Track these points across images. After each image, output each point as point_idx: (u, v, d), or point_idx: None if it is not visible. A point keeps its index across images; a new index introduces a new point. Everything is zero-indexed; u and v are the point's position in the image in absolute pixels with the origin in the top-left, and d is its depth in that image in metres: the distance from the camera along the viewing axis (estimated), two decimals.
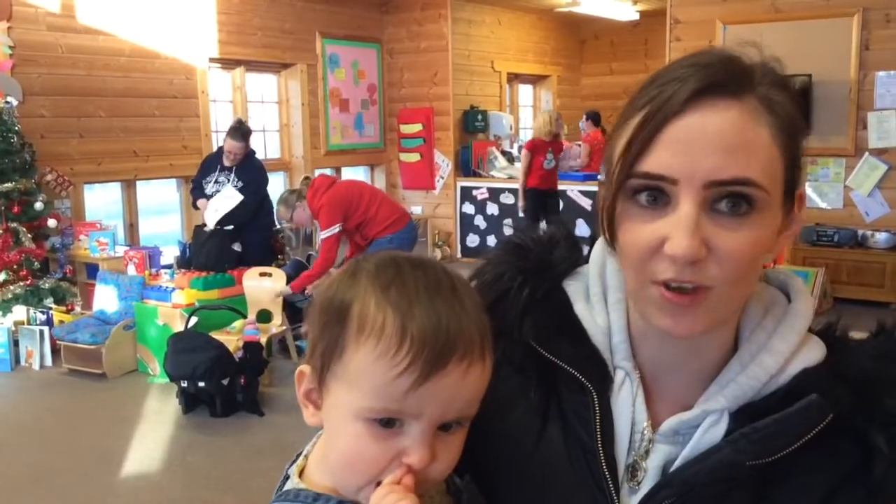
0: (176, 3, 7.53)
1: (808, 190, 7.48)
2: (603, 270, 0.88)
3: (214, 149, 7.12)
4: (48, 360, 5.75)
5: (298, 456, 0.85)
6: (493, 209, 9.45)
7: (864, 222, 7.25)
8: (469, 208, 9.64)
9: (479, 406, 0.77)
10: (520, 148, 10.63)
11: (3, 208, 5.80)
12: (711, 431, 0.77)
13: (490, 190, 9.45)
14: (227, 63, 8.32)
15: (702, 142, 0.71)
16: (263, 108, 9.03)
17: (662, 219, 0.73)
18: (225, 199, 6.18)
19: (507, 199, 9.25)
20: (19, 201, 5.87)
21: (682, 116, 0.72)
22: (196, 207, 6.52)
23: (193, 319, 5.14)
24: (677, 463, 0.78)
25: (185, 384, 4.70)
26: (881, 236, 7.07)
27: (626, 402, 0.82)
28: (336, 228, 5.46)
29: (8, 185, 5.77)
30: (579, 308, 0.87)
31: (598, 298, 0.87)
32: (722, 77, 0.72)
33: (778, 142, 0.73)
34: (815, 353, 0.79)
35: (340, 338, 0.74)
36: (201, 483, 3.95)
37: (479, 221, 9.57)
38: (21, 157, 5.92)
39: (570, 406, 0.84)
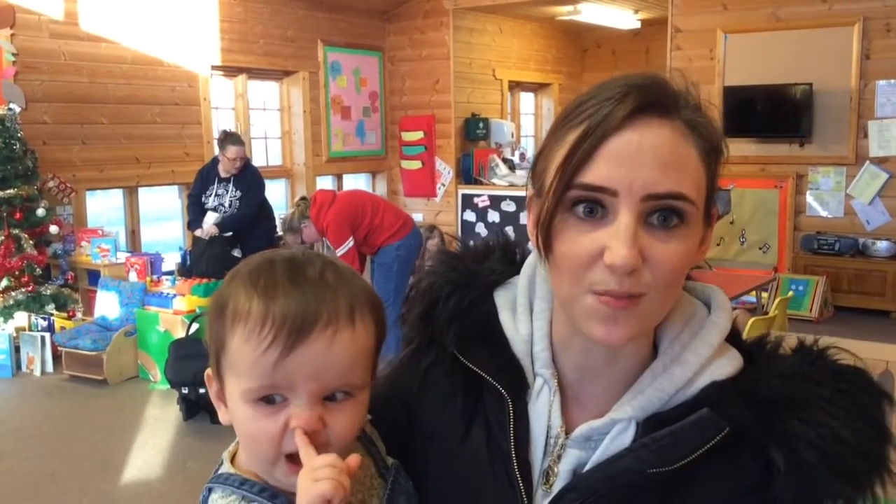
0: (178, 10, 7.56)
1: (810, 198, 7.49)
2: (532, 281, 0.92)
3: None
4: (49, 367, 5.75)
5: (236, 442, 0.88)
6: (494, 217, 9.46)
7: (865, 231, 7.26)
8: (470, 216, 9.65)
9: (366, 375, 0.82)
10: (522, 156, 10.66)
11: (5, 215, 5.81)
12: (619, 439, 0.81)
13: (491, 197, 9.46)
14: (230, 70, 8.34)
15: (640, 156, 0.74)
16: (265, 116, 9.05)
17: (601, 230, 0.75)
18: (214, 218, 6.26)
19: (509, 206, 9.26)
20: (21, 208, 5.89)
21: (621, 132, 0.75)
22: (191, 228, 6.51)
23: (194, 326, 5.14)
24: (586, 468, 0.81)
25: (185, 391, 4.71)
26: (882, 245, 7.07)
27: (543, 409, 0.85)
28: (350, 243, 5.40)
29: (10, 191, 5.79)
30: (504, 317, 0.91)
31: (524, 308, 0.90)
32: (656, 98, 0.76)
33: (703, 161, 0.78)
34: (726, 366, 0.82)
35: (221, 332, 0.81)
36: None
37: (481, 229, 9.57)
38: (23, 164, 5.94)
39: (492, 411, 0.87)
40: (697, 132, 0.77)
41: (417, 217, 9.78)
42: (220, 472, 0.88)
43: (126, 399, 5.28)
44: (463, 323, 0.91)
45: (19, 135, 5.96)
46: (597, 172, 0.75)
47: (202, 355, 4.69)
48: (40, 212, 5.99)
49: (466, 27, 9.85)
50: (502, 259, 0.97)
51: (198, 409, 4.82)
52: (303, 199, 5.72)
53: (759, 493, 0.77)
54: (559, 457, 0.83)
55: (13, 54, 6.42)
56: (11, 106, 6.06)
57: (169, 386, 4.95)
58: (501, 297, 0.93)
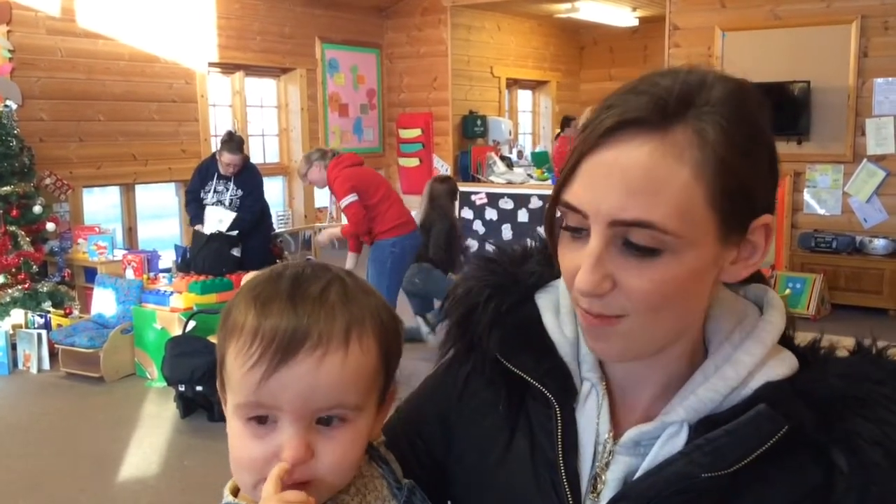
0: (176, 7, 7.54)
1: (807, 196, 7.49)
2: None
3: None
4: (46, 364, 5.74)
5: None
6: (491, 214, 9.44)
7: (863, 229, 7.26)
8: (468, 213, 9.64)
9: (363, 399, 0.77)
10: (520, 153, 10.66)
11: (1, 212, 5.79)
12: (670, 443, 0.77)
13: (489, 195, 9.44)
14: (227, 67, 8.33)
15: (609, 179, 0.70)
16: (263, 113, 9.04)
17: (580, 250, 0.74)
18: (225, 215, 6.24)
19: (507, 204, 9.25)
20: (18, 205, 5.87)
21: (598, 150, 0.71)
22: (192, 224, 6.50)
23: (192, 323, 5.13)
24: (637, 475, 0.78)
25: (182, 388, 4.69)
26: (879, 243, 7.07)
27: (591, 414, 0.82)
28: (353, 197, 5.37)
29: (7, 188, 5.77)
30: (548, 320, 0.87)
31: (568, 310, 0.87)
32: (643, 111, 0.70)
33: (704, 178, 0.70)
34: (781, 367, 0.78)
35: (222, 343, 0.79)
36: (198, 488, 3.94)
37: (478, 227, 9.56)
38: (20, 161, 5.92)
39: (536, 418, 0.85)
40: (703, 146, 0.70)
41: (415, 214, 9.78)
42: None
43: (123, 396, 5.27)
44: (505, 327, 0.87)
45: (16, 132, 5.93)
46: (574, 191, 0.73)
47: (199, 353, 4.69)
48: (37, 209, 5.97)
49: (464, 24, 9.84)
50: (541, 261, 0.92)
51: (195, 406, 4.81)
52: (334, 151, 5.74)
53: (820, 497, 0.74)
54: (607, 464, 0.80)
55: (10, 51, 6.40)
56: (8, 103, 6.05)
57: (166, 383, 4.94)
58: (543, 300, 0.89)
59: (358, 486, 0.82)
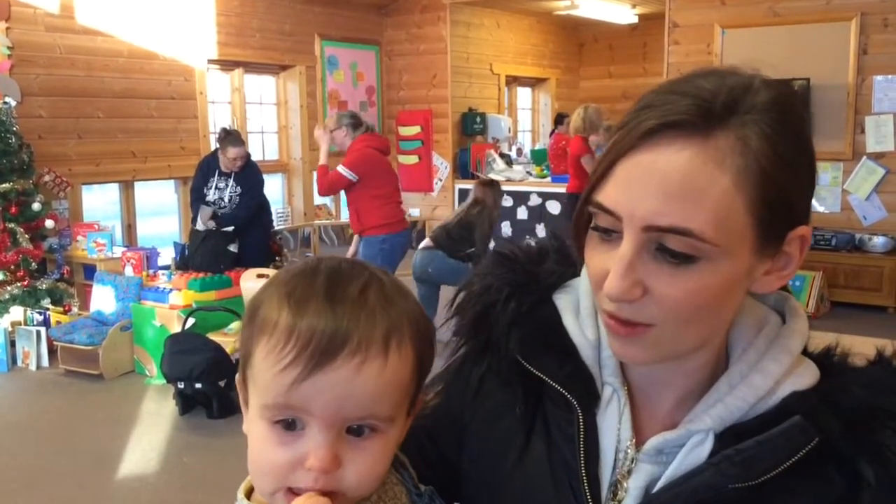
0: (175, 4, 7.53)
1: None
2: None
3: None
4: (45, 361, 5.74)
5: None
6: None
7: (862, 226, 7.26)
8: None
9: (395, 410, 0.74)
10: (519, 150, 10.66)
11: (0, 209, 5.79)
12: (695, 452, 0.75)
13: None
14: (226, 64, 8.32)
15: (646, 183, 0.68)
16: (262, 110, 9.03)
17: (610, 252, 0.72)
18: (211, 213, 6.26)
19: (506, 201, 9.22)
20: (17, 202, 5.87)
21: (636, 152, 0.69)
22: (193, 223, 6.50)
23: (191, 321, 5.13)
24: (660, 484, 0.76)
25: (181, 385, 4.69)
26: (879, 240, 7.07)
27: (613, 420, 0.80)
28: (352, 176, 5.39)
29: (6, 185, 5.77)
30: (568, 322, 0.85)
31: (589, 312, 0.84)
32: (687, 115, 0.68)
33: (744, 187, 0.68)
34: (806, 376, 0.76)
35: (249, 339, 0.75)
36: (197, 485, 3.94)
37: None
38: (19, 158, 5.91)
39: (555, 422, 0.82)
40: (746, 153, 0.68)
41: (414, 212, 9.79)
42: None
43: (122, 394, 5.26)
44: (525, 327, 0.85)
45: (15, 129, 5.93)
46: (607, 193, 0.71)
47: (198, 350, 4.69)
48: (36, 206, 5.97)
49: (464, 21, 9.83)
50: (559, 260, 0.90)
51: (194, 404, 4.81)
52: (368, 126, 5.73)
53: None
54: (629, 471, 0.78)
55: (9, 48, 6.39)
56: (7, 100, 6.04)
57: (165, 381, 4.93)
58: (562, 300, 0.87)
59: (379, 494, 0.79)
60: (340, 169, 5.43)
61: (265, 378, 0.72)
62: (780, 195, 0.70)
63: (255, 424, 0.75)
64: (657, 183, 0.68)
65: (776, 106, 0.70)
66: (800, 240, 0.74)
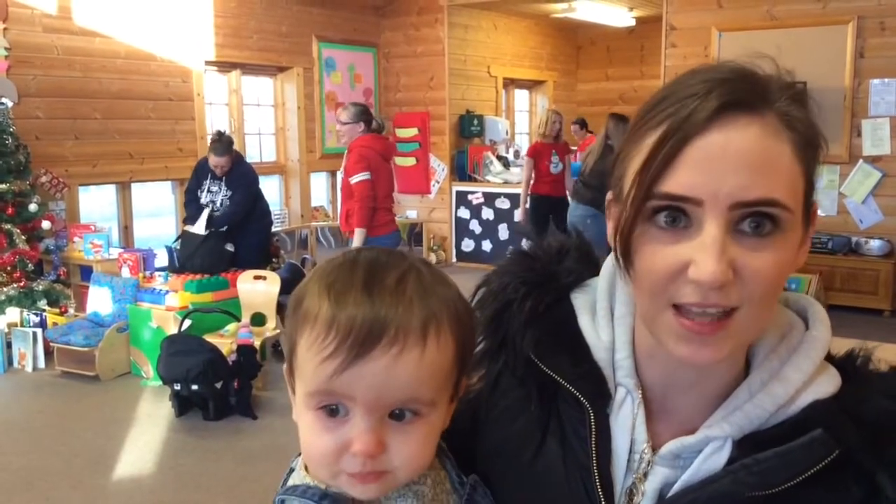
0: (172, 5, 7.53)
1: None
2: (613, 284, 0.86)
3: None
4: (41, 363, 5.73)
5: None
6: (488, 214, 9.45)
7: (858, 229, 7.27)
8: (464, 213, 9.65)
9: (437, 394, 0.76)
10: (516, 153, 10.66)
11: None
12: (713, 459, 0.75)
13: (485, 194, 9.46)
14: (224, 66, 8.32)
15: (726, 161, 0.68)
16: (259, 112, 9.03)
17: (684, 242, 0.70)
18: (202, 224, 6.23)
19: (503, 203, 9.25)
20: (14, 203, 5.86)
21: (705, 135, 0.69)
22: (185, 224, 6.47)
23: (187, 322, 5.13)
24: (675, 488, 0.76)
25: (178, 387, 4.69)
26: (875, 243, 7.09)
27: (626, 421, 0.80)
28: (366, 175, 5.19)
29: (2, 186, 5.76)
30: (584, 322, 0.85)
31: (605, 313, 0.84)
32: (743, 93, 0.70)
33: (799, 158, 0.72)
34: (828, 384, 0.76)
35: (293, 330, 0.77)
36: (193, 487, 3.94)
37: (475, 226, 9.57)
38: (16, 159, 5.91)
39: (569, 422, 0.83)
40: (792, 126, 0.72)
41: (411, 214, 9.79)
42: (292, 482, 0.82)
43: (118, 395, 5.26)
44: (540, 326, 0.85)
45: (12, 130, 5.93)
46: (678, 180, 0.69)
47: (194, 352, 4.68)
48: (32, 207, 5.97)
49: (461, 24, 9.84)
50: (579, 259, 0.90)
51: (190, 405, 4.81)
52: (381, 125, 5.65)
53: None
54: (645, 474, 0.78)
55: (6, 49, 6.39)
56: (4, 100, 6.03)
57: (161, 382, 4.93)
58: (579, 301, 0.87)
59: (433, 477, 0.82)
60: (355, 180, 5.22)
61: (308, 368, 0.75)
62: (814, 169, 0.75)
63: (302, 413, 0.77)
64: (737, 160, 0.68)
65: (800, 93, 0.76)
66: (814, 213, 0.77)
